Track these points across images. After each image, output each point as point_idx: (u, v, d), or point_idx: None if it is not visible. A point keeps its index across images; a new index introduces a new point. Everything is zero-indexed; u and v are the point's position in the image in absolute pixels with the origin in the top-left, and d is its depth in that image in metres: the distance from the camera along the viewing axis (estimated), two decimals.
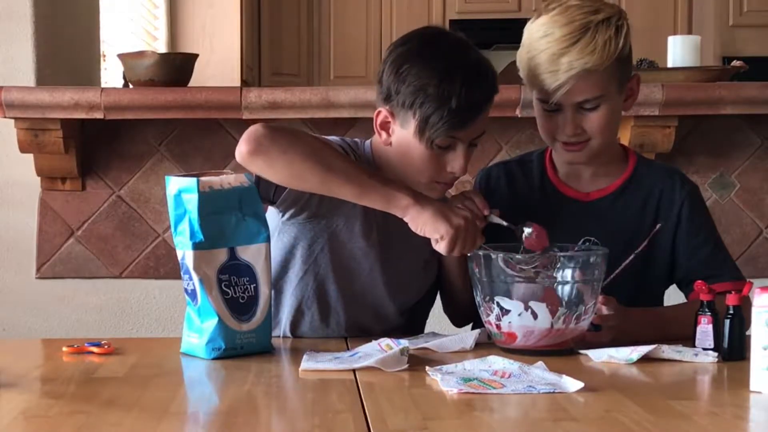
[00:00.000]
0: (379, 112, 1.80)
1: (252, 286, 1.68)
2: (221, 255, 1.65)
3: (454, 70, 1.71)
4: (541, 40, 1.79)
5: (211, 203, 1.64)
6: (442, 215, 1.70)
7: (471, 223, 1.71)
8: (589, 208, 1.92)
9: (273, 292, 1.79)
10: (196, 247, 1.64)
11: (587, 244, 1.77)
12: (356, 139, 1.92)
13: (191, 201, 1.64)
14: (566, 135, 1.83)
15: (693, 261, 1.91)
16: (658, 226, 1.87)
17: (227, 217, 1.67)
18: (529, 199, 1.95)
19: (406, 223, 1.74)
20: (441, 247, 1.71)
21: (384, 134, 1.81)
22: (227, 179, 1.68)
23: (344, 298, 1.87)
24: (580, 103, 1.80)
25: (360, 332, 1.87)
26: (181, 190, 1.65)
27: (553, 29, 1.78)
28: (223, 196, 1.66)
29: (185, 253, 1.65)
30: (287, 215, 1.83)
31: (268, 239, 1.70)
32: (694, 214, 1.92)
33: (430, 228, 1.70)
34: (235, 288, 1.66)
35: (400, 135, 1.78)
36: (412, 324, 1.95)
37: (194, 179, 1.64)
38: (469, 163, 1.78)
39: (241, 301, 1.66)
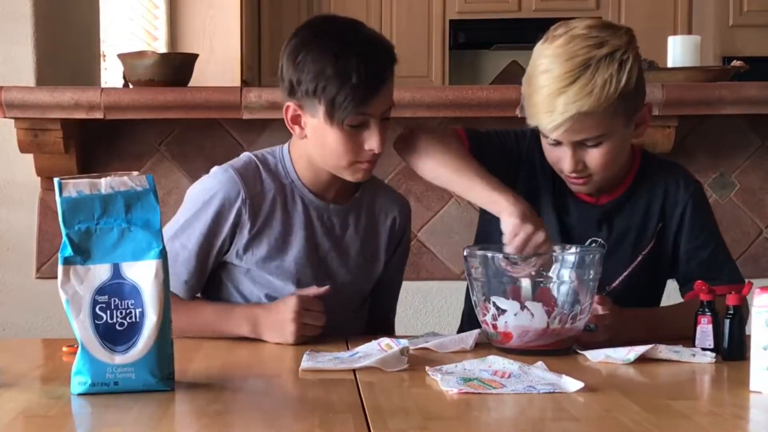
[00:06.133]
0: (288, 107, 1.81)
1: (137, 310, 1.38)
2: (102, 272, 1.40)
3: (347, 47, 1.75)
4: (541, 75, 1.73)
5: (81, 210, 1.41)
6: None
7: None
8: (599, 212, 1.91)
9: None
10: (66, 261, 1.42)
11: (593, 245, 1.77)
12: (267, 150, 1.92)
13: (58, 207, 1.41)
14: (566, 170, 1.81)
15: (693, 263, 1.91)
16: (660, 225, 1.87)
17: (107, 227, 1.41)
18: (547, 185, 1.92)
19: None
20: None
21: (297, 128, 1.82)
22: (113, 182, 1.42)
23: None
24: (580, 141, 1.76)
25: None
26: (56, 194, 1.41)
27: (553, 65, 1.72)
28: (101, 201, 1.40)
29: (57, 269, 1.41)
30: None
31: (161, 255, 1.40)
32: (697, 216, 1.92)
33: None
34: (113, 312, 1.38)
35: (312, 125, 1.79)
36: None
37: (58, 180, 1.43)
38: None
39: (118, 327, 1.38)
